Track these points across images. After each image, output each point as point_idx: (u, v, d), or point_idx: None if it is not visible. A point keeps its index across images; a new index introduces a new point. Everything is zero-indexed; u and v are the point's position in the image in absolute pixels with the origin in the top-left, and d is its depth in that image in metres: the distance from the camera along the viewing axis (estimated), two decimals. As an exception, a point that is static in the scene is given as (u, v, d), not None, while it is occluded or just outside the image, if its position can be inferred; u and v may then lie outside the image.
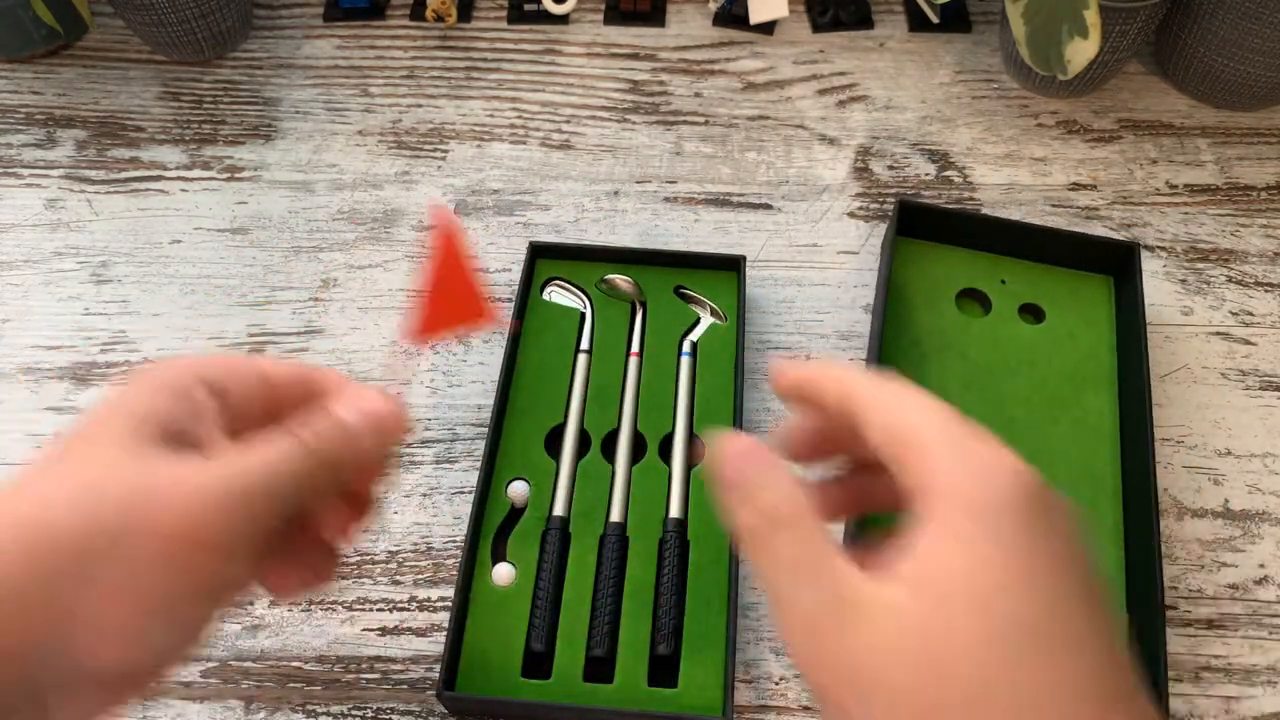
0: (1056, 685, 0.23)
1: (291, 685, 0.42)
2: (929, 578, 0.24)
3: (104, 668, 0.26)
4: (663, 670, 0.41)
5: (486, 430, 0.46)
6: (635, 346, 0.49)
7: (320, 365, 0.49)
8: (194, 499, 0.26)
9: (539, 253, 0.52)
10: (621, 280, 0.51)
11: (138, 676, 0.28)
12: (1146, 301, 0.51)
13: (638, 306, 0.51)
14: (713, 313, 0.50)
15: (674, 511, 0.44)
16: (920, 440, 0.26)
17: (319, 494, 0.30)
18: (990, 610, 0.23)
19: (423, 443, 0.48)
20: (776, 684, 0.42)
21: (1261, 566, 0.45)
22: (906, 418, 0.26)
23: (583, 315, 0.50)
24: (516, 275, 0.52)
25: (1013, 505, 0.25)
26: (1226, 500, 0.47)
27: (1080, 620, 0.25)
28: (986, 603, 0.24)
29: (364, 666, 0.42)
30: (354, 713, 0.41)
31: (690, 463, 0.46)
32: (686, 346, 0.49)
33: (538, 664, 0.41)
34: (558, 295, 0.51)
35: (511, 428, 0.47)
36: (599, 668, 0.41)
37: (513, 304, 0.50)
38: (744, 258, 0.51)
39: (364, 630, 0.43)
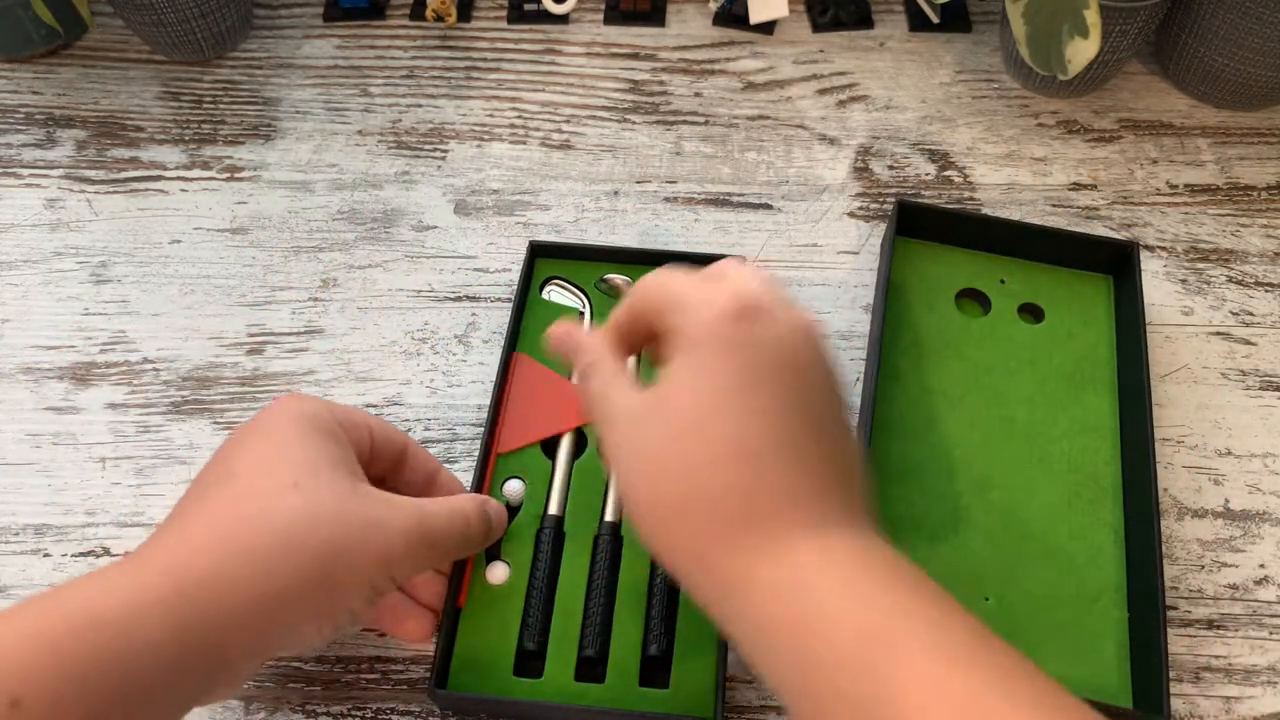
0: (778, 445, 0.31)
1: (291, 685, 0.42)
2: (657, 400, 0.32)
3: (282, 654, 0.37)
4: (654, 671, 0.41)
5: (483, 429, 0.46)
6: (635, 346, 0.49)
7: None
8: (398, 534, 0.35)
9: (538, 252, 0.51)
10: (621, 280, 0.51)
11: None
12: (1147, 301, 0.51)
13: (637, 306, 0.51)
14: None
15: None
16: (670, 303, 0.33)
17: (460, 554, 0.40)
18: (687, 433, 0.31)
19: (423, 442, 0.48)
20: (776, 684, 0.42)
21: (1262, 567, 0.45)
22: (664, 294, 0.34)
23: (582, 315, 0.50)
24: (516, 275, 0.52)
25: (711, 335, 0.32)
26: (1227, 500, 0.47)
27: (770, 431, 0.31)
28: (682, 428, 0.31)
29: (363, 666, 0.42)
30: (353, 713, 0.41)
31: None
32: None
33: (530, 662, 0.41)
34: (557, 295, 0.51)
35: (511, 428, 0.47)
36: (590, 667, 0.41)
37: (512, 304, 0.50)
38: (743, 259, 0.51)
39: (364, 630, 0.43)
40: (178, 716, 0.32)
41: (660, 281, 0.35)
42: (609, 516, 0.44)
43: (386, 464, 0.40)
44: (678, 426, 0.31)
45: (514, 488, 0.45)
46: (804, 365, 0.32)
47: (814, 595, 0.29)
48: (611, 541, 0.43)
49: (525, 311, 0.50)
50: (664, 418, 0.32)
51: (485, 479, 0.45)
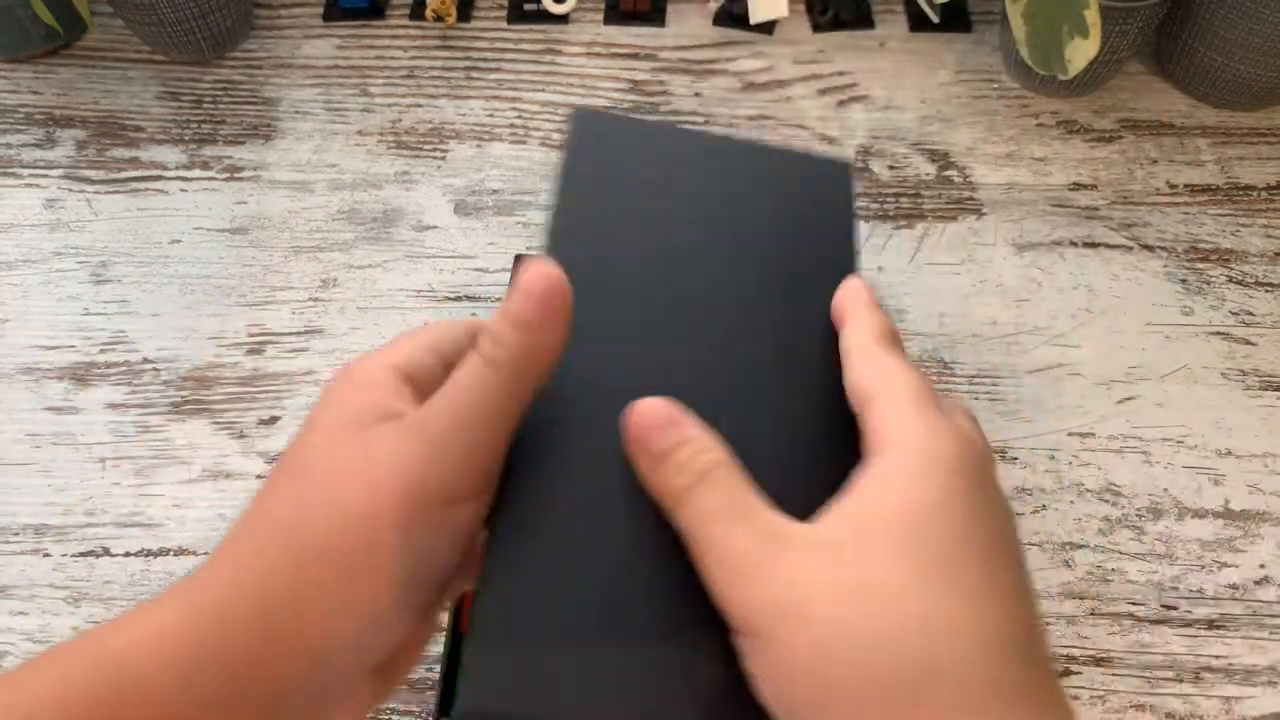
0: (968, 624, 0.23)
1: (291, 685, 0.42)
2: (858, 513, 0.25)
3: (368, 661, 0.27)
4: None
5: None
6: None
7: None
8: (413, 470, 0.26)
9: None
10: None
11: (395, 667, 0.29)
12: (1146, 301, 0.51)
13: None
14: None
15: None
16: (886, 396, 0.27)
17: (524, 403, 0.28)
18: (912, 541, 0.24)
19: (422, 443, 0.48)
20: (776, 684, 0.42)
21: (1262, 567, 0.45)
22: (880, 375, 0.28)
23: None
24: (516, 275, 0.52)
25: (953, 459, 0.25)
26: (1227, 500, 0.47)
27: (1003, 572, 0.25)
28: (909, 535, 0.24)
29: (364, 667, 0.42)
30: (354, 713, 0.41)
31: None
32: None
33: None
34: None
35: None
36: None
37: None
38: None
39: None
40: None
41: (878, 358, 0.28)
42: None
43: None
44: (923, 558, 0.24)
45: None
46: (1017, 536, 0.27)
47: None
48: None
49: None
50: (886, 537, 0.24)
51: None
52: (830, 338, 0.32)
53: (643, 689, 0.27)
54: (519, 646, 0.28)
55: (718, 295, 0.33)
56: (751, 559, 0.25)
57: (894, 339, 0.30)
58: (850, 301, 0.32)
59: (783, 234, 0.35)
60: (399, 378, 0.29)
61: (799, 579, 0.24)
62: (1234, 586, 0.45)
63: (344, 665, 0.26)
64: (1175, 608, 0.44)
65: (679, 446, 0.27)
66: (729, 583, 0.25)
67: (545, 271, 0.27)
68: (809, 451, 0.29)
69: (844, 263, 0.35)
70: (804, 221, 0.36)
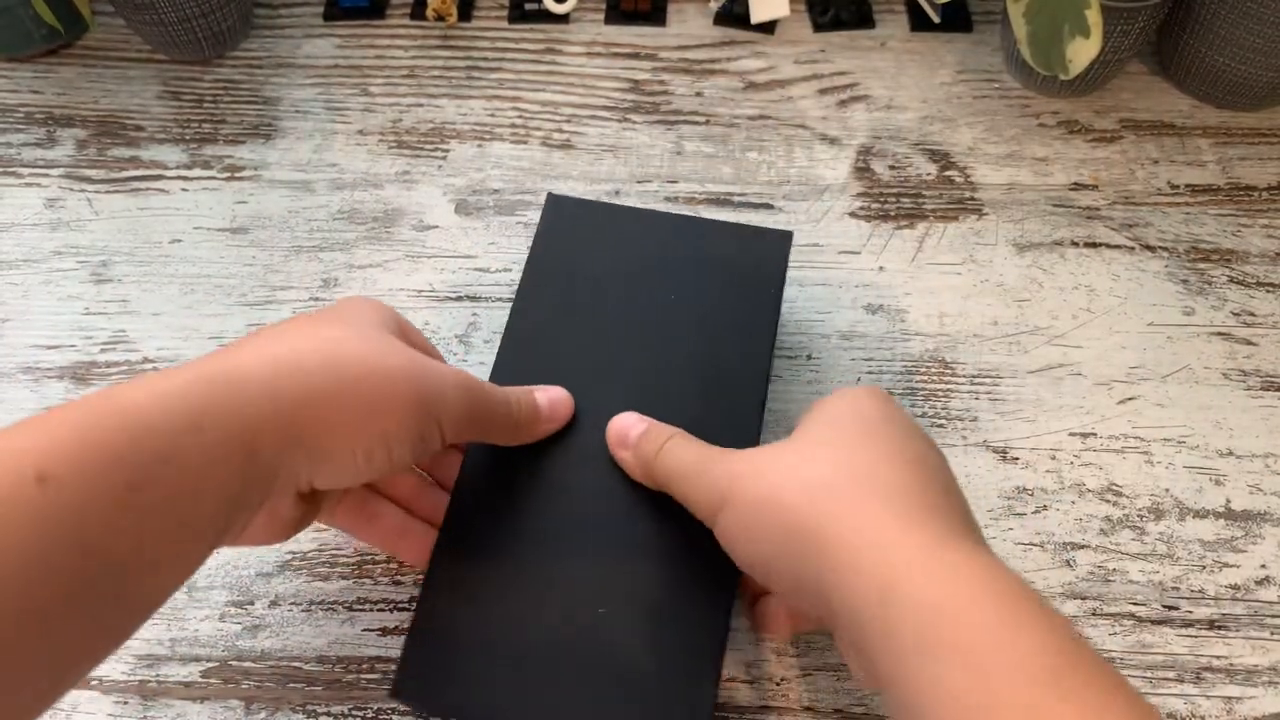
0: (878, 466, 0.33)
1: (292, 685, 0.42)
2: (796, 444, 0.35)
3: (324, 477, 0.34)
4: None
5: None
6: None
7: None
8: (450, 385, 0.36)
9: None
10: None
11: (310, 513, 0.37)
12: (1147, 301, 0.51)
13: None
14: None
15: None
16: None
17: (506, 433, 0.40)
18: (833, 428, 0.35)
19: (423, 443, 0.48)
20: (778, 684, 0.42)
21: (1263, 567, 0.45)
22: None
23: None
24: (517, 275, 0.52)
25: (856, 395, 0.36)
26: (1228, 500, 0.47)
27: (908, 450, 0.34)
28: (833, 422, 0.35)
29: (364, 667, 0.42)
30: (354, 713, 0.41)
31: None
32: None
33: None
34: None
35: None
36: None
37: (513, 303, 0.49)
38: None
39: (364, 630, 0.43)
40: (225, 518, 0.31)
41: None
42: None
43: None
44: (852, 434, 0.34)
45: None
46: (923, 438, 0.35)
47: (999, 584, 0.29)
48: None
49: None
50: (830, 430, 0.35)
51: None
52: (740, 374, 0.43)
53: (560, 701, 0.36)
54: (454, 647, 0.37)
55: (654, 344, 0.43)
56: (712, 460, 0.36)
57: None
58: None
59: (716, 295, 0.44)
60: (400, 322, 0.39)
61: (750, 456, 0.35)
62: (1235, 587, 0.44)
63: (316, 472, 0.33)
64: (1176, 608, 0.44)
65: (645, 433, 0.39)
66: (697, 486, 0.36)
67: (568, 402, 0.41)
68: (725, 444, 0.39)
69: (763, 322, 0.44)
70: (739, 284, 0.45)
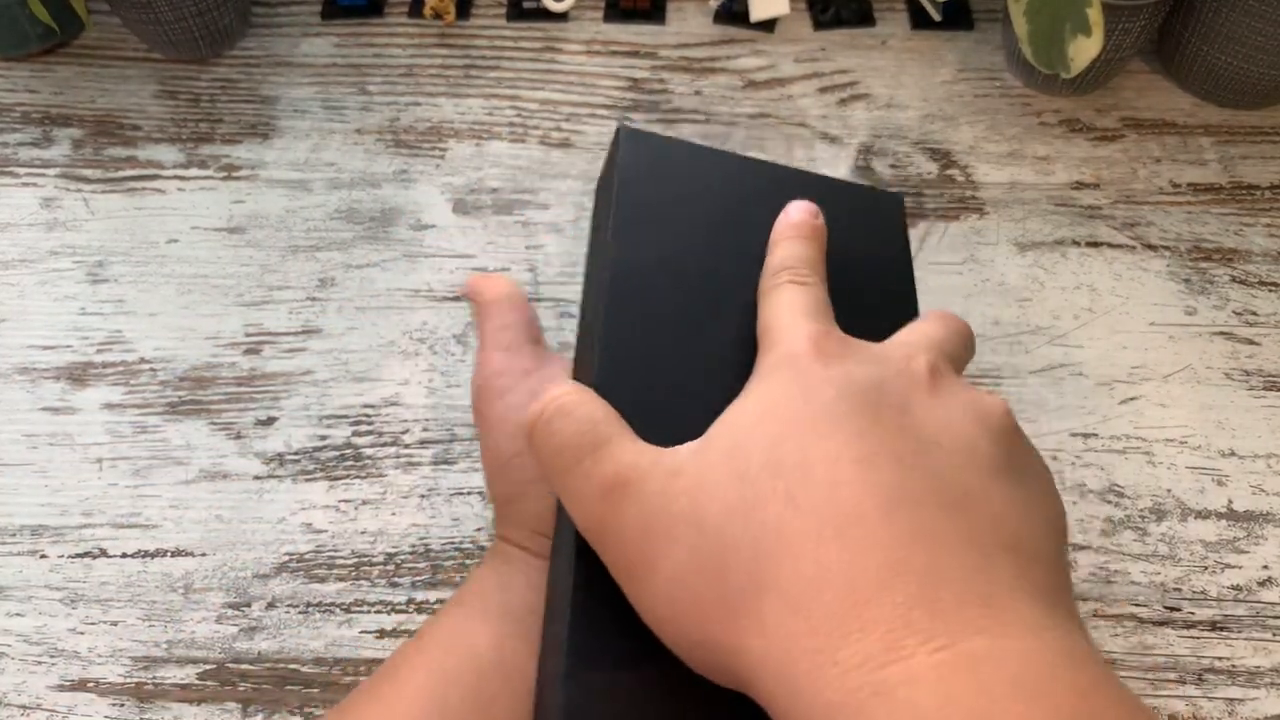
0: (787, 509, 0.23)
1: (289, 688, 0.42)
2: (711, 434, 0.27)
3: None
4: None
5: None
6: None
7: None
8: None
9: None
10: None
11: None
12: (1149, 301, 0.50)
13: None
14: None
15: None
16: (761, 329, 0.30)
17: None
18: (735, 450, 0.25)
19: (421, 443, 0.48)
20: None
21: (1265, 568, 0.45)
22: (768, 314, 0.31)
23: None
24: (516, 275, 0.52)
25: (783, 361, 0.27)
26: (1230, 501, 0.46)
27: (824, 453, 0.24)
28: (734, 446, 0.25)
29: (362, 669, 0.42)
30: (351, 716, 0.41)
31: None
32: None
33: None
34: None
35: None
36: None
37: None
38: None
39: (361, 633, 0.43)
40: None
41: (763, 294, 0.33)
42: None
43: None
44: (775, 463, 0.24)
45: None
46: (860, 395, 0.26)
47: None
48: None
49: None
50: (748, 452, 0.25)
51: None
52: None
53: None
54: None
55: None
56: (603, 486, 0.27)
57: (789, 271, 0.32)
58: (772, 238, 0.34)
59: (841, 263, 0.35)
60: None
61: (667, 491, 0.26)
62: (1237, 588, 0.44)
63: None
64: (1178, 609, 0.44)
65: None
66: (583, 509, 0.28)
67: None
68: None
69: (905, 296, 0.37)
70: (863, 252, 0.37)
